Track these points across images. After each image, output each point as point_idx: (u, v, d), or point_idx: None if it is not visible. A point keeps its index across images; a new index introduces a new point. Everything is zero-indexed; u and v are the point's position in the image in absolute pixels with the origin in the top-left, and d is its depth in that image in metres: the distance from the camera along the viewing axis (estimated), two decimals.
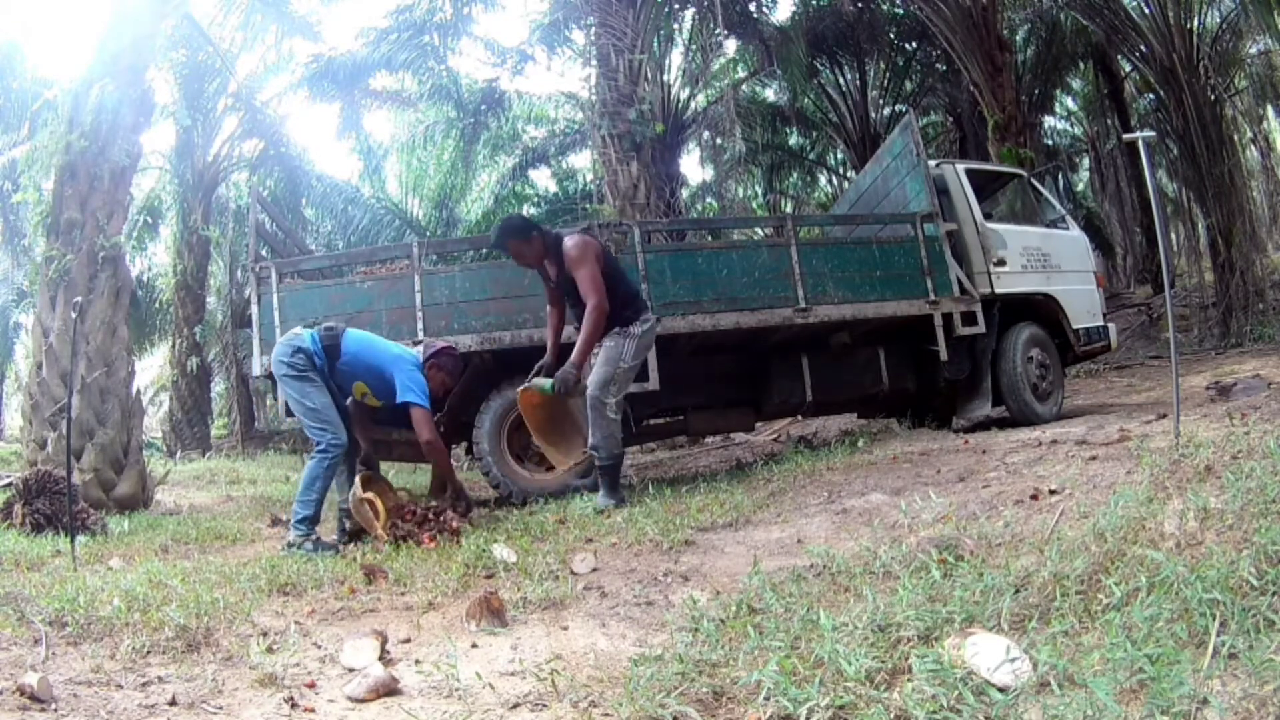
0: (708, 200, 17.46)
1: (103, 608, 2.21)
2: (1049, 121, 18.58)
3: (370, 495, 3.46)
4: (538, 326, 4.88)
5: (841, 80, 14.71)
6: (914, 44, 14.02)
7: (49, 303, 5.75)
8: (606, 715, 1.61)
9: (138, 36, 6.22)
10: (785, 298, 5.11)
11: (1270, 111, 15.59)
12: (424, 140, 16.12)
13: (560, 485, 4.76)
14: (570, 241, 3.98)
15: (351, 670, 1.92)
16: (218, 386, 17.90)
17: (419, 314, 4.80)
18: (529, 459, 5.01)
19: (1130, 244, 17.59)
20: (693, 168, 17.96)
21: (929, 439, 4.96)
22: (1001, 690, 1.40)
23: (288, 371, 3.49)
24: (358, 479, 3.58)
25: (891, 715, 1.38)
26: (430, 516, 3.54)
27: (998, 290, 5.61)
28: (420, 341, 4.34)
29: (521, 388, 4.02)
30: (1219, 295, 10.79)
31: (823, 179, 19.75)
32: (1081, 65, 15.67)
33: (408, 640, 2.18)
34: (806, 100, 15.29)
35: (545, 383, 3.92)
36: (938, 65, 14.18)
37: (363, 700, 1.75)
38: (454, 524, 3.46)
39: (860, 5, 12.58)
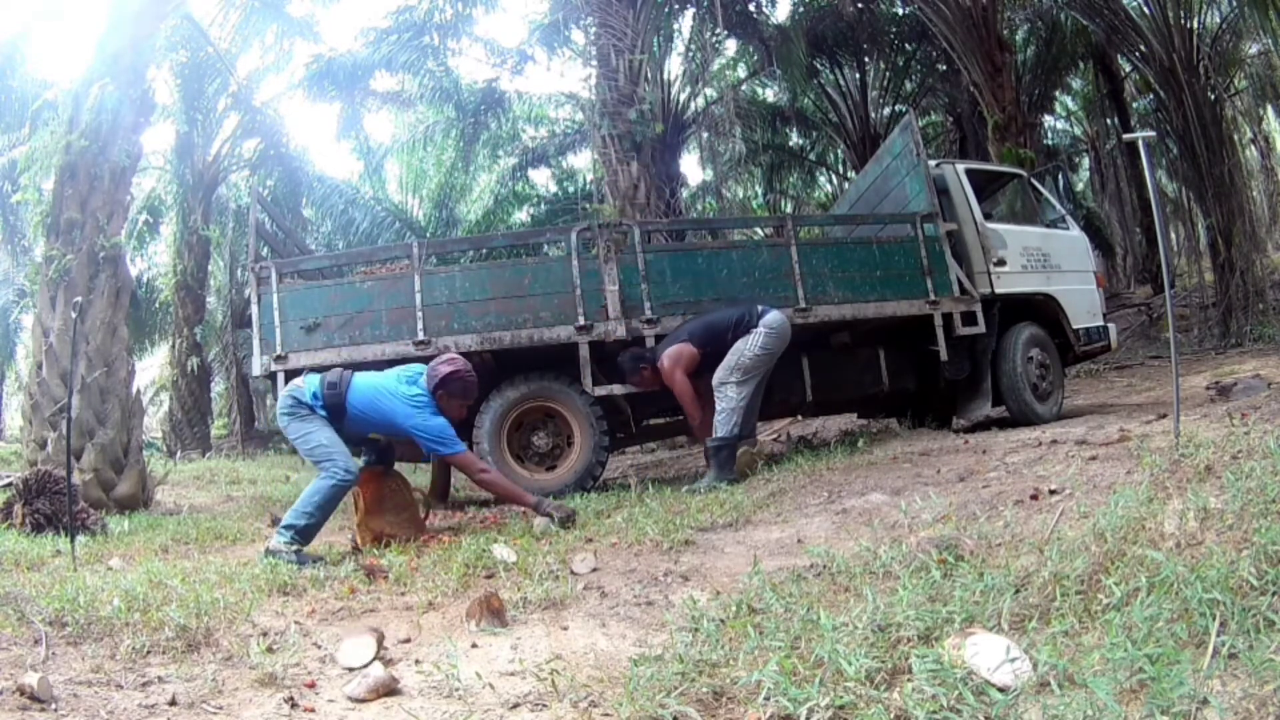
0: (708, 200, 17.45)
1: (103, 608, 2.21)
2: (1049, 121, 18.58)
3: (355, 490, 3.50)
4: (537, 326, 4.90)
5: (841, 80, 14.71)
6: (914, 44, 14.00)
7: (49, 303, 5.75)
8: (606, 715, 1.61)
9: (138, 36, 6.21)
10: (785, 298, 5.11)
11: (1270, 111, 15.60)
12: (424, 141, 16.13)
13: (560, 485, 4.77)
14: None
15: (350, 670, 1.92)
16: (218, 386, 17.89)
17: (419, 314, 4.80)
18: (529, 459, 5.02)
19: (1130, 244, 17.58)
20: (693, 168, 17.97)
21: (929, 439, 4.96)
22: (1001, 690, 1.40)
23: (286, 420, 3.51)
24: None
25: (891, 715, 1.38)
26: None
27: (998, 290, 5.61)
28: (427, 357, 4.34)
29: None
30: (1219, 295, 10.78)
31: (823, 179, 19.75)
32: (1081, 65, 15.66)
33: (408, 640, 2.18)
34: (806, 100, 15.29)
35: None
36: (938, 65, 14.17)
37: (363, 700, 1.75)
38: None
39: (860, 5, 12.58)
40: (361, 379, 3.59)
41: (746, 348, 4.58)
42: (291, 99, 14.21)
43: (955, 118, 15.47)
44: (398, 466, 4.04)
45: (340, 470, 3.33)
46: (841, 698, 1.43)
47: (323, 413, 3.45)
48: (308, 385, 3.53)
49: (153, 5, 6.37)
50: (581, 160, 17.34)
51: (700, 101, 12.67)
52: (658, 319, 4.96)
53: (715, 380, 4.60)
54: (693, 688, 1.60)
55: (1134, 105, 16.17)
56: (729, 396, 4.55)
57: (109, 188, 5.94)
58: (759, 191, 18.36)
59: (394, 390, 3.54)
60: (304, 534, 3.27)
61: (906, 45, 14.19)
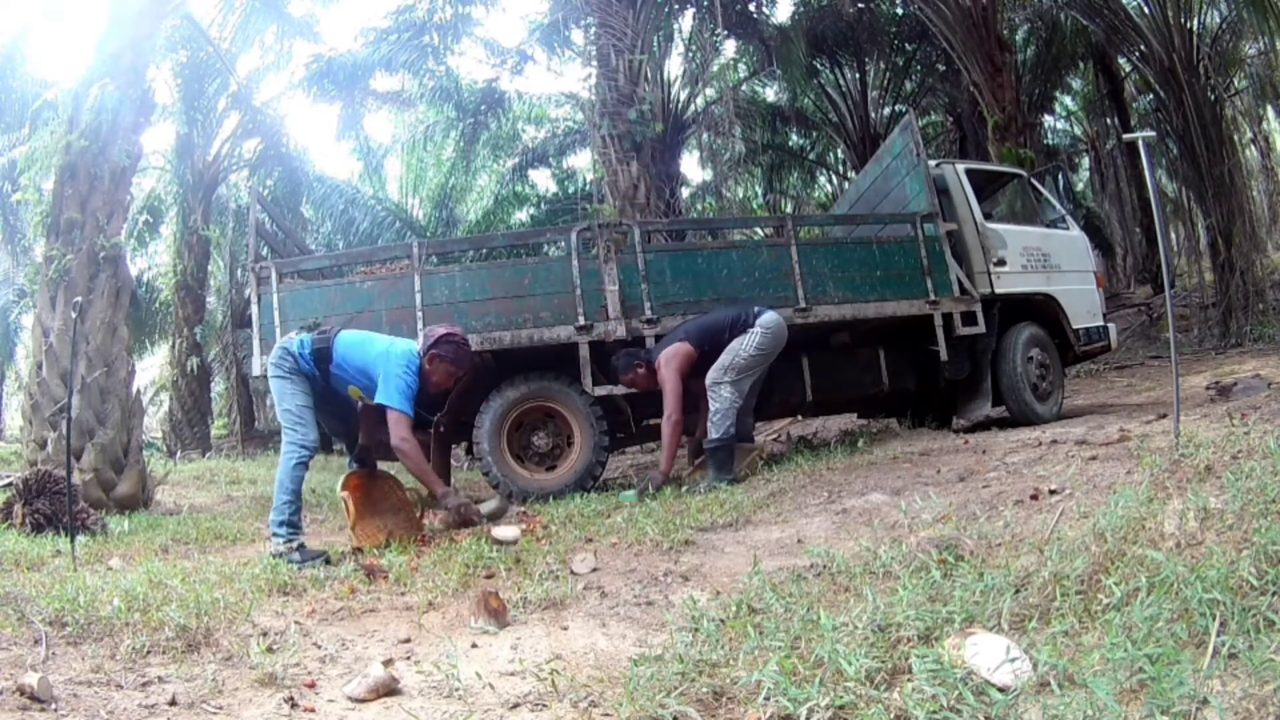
0: (708, 200, 17.44)
1: (103, 608, 2.21)
2: (1049, 121, 18.58)
3: (345, 494, 3.50)
4: (537, 326, 4.90)
5: (841, 80, 14.71)
6: (914, 44, 14.01)
7: (49, 303, 5.74)
8: (606, 715, 1.61)
9: (138, 36, 6.21)
10: (785, 298, 5.11)
11: (1270, 111, 15.62)
12: (424, 141, 16.14)
13: (560, 485, 4.78)
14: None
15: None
16: (218, 386, 17.89)
17: (419, 314, 4.80)
18: (529, 459, 5.02)
19: (1130, 244, 17.59)
20: (693, 168, 17.95)
21: (929, 439, 4.96)
22: (1001, 690, 1.40)
23: (274, 371, 3.54)
24: (343, 476, 3.62)
25: (891, 715, 1.38)
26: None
27: (998, 290, 5.60)
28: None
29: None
30: (1219, 295, 10.78)
31: (823, 179, 19.76)
32: (1081, 65, 15.67)
33: (408, 640, 2.18)
34: (806, 100, 15.29)
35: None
36: (938, 65, 14.18)
37: (363, 700, 1.75)
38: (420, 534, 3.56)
39: (860, 5, 12.58)
40: (352, 331, 3.73)
41: (742, 347, 4.54)
42: (291, 99, 14.27)
43: (955, 118, 15.47)
44: (390, 468, 4.05)
45: (297, 445, 3.40)
46: (841, 698, 1.43)
47: (308, 364, 3.50)
48: (299, 336, 3.62)
49: (153, 5, 6.37)
50: (581, 160, 17.36)
51: (700, 101, 12.66)
52: (658, 319, 4.96)
53: (709, 380, 4.54)
54: (693, 688, 1.60)
55: (1134, 105, 16.18)
56: (724, 397, 4.51)
57: (109, 188, 5.94)
58: (759, 191, 18.37)
59: (381, 341, 3.64)
60: (293, 524, 3.32)
61: (906, 45, 14.20)
